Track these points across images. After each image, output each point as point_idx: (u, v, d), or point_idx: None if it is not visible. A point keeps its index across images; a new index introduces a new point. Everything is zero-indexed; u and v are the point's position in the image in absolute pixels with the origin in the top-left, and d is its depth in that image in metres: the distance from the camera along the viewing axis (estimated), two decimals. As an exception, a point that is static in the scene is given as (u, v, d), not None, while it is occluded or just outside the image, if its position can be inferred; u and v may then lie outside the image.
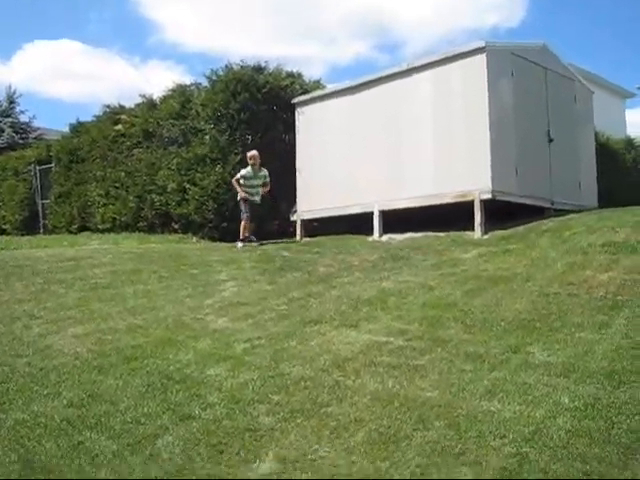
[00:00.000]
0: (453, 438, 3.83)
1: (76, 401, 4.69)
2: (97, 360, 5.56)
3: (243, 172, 11.89)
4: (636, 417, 3.93)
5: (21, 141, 29.27)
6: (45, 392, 4.88)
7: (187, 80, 23.66)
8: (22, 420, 4.37)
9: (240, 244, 11.48)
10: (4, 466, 3.68)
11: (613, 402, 4.14)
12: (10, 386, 5.02)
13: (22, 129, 31.24)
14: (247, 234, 11.69)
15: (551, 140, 11.29)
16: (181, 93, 14.85)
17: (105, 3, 72.22)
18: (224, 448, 3.90)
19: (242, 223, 11.73)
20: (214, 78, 14.08)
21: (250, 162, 11.89)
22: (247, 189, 11.84)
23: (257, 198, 11.90)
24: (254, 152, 11.96)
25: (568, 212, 10.64)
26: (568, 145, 11.88)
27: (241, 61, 14.13)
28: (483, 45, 10.23)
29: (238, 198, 11.90)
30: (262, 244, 11.56)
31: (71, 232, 17.42)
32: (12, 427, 4.25)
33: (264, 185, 12.00)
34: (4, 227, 20.71)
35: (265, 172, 12.00)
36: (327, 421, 4.19)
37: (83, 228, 17.31)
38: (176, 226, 14.55)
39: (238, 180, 11.87)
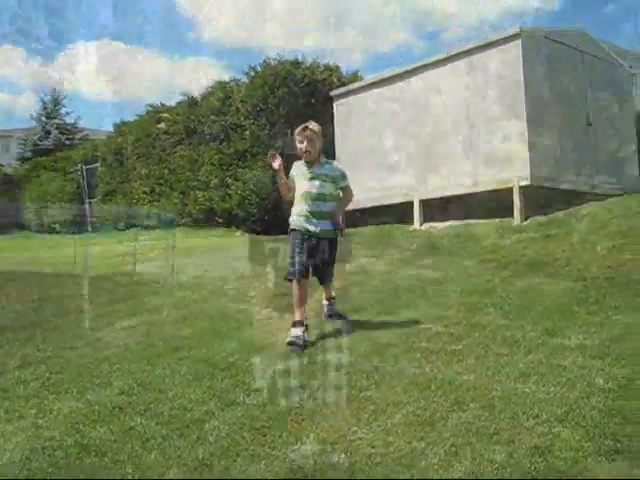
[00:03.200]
0: (487, 419, 3.93)
1: (127, 389, 4.88)
2: (145, 351, 5.77)
3: (292, 171, 6.01)
4: (669, 397, 3.99)
5: (67, 142, 30.02)
6: (97, 382, 5.09)
7: (227, 76, 23.98)
8: (77, 408, 4.59)
9: (294, 334, 5.48)
10: (62, 449, 3.90)
11: (647, 383, 4.21)
12: (65, 376, 5.25)
13: (68, 130, 32.04)
14: (300, 316, 5.61)
15: (590, 124, 11.22)
16: (221, 90, 15.10)
17: (144, 2, 73.30)
18: (267, 431, 4.06)
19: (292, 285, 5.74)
20: (252, 74, 14.30)
21: (301, 148, 5.89)
22: (299, 206, 5.84)
23: (318, 227, 5.75)
24: (306, 126, 6.01)
25: (609, 196, 10.57)
26: (608, 128, 11.80)
27: (278, 55, 14.33)
28: (518, 31, 10.22)
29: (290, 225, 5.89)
30: (346, 318, 6.31)
31: (118, 229, 17.84)
32: (68, 414, 4.46)
33: (340, 198, 6.01)
34: (53, 226, 21.30)
35: (336, 169, 6.10)
36: (366, 404, 4.32)
37: (129, 225, 17.73)
38: (220, 220, 14.82)
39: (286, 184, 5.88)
